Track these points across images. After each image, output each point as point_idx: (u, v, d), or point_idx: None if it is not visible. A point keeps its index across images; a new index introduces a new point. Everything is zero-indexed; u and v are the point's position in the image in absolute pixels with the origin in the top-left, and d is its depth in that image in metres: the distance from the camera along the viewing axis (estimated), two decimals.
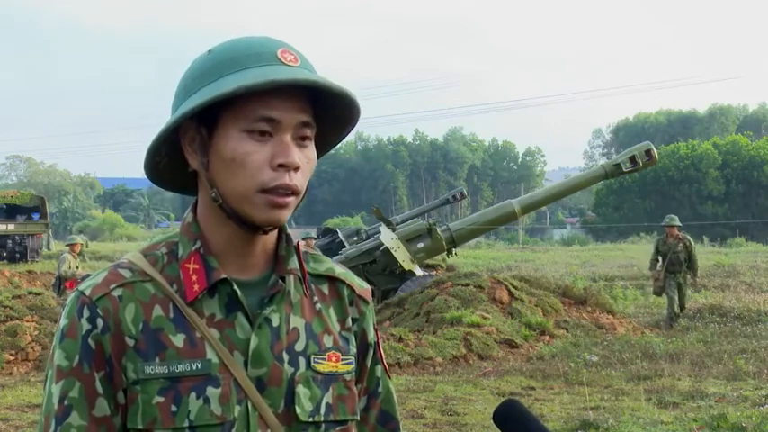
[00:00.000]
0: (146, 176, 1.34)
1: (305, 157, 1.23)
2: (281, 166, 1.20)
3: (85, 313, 1.21)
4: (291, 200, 1.22)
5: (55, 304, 11.69)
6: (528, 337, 11.72)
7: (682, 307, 13.45)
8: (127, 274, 1.25)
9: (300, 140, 1.23)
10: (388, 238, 14.28)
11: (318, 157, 1.32)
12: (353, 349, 1.35)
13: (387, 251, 14.12)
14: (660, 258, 13.52)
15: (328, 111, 1.27)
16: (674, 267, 13.33)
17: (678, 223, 13.58)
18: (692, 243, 13.46)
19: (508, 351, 11.27)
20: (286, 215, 1.23)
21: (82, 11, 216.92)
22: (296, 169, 1.21)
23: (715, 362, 10.08)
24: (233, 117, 1.20)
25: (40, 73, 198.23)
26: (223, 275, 1.24)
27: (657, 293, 13.97)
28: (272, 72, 1.18)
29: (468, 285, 12.77)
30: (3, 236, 28.08)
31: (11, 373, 10.24)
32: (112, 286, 1.23)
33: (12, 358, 10.55)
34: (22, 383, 9.52)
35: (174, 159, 1.29)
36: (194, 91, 1.22)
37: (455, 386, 9.09)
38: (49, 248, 30.79)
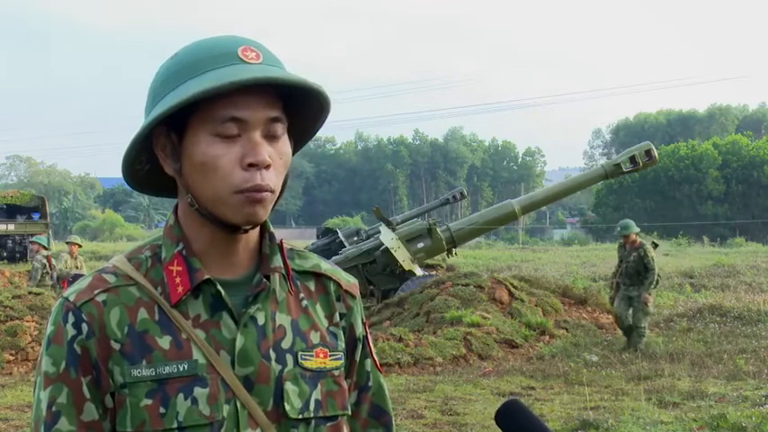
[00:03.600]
0: (126, 185, 1.34)
1: (276, 153, 1.23)
2: (251, 165, 1.19)
3: (70, 319, 1.22)
4: (267, 195, 1.21)
5: (54, 304, 11.70)
6: (528, 337, 11.72)
7: (634, 327, 11.03)
8: (111, 278, 1.26)
9: (272, 136, 1.23)
10: (388, 238, 14.28)
11: (298, 149, 1.32)
12: (342, 345, 1.35)
13: (387, 251, 14.12)
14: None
15: (299, 103, 1.27)
16: (624, 279, 11.15)
17: (628, 232, 11.22)
18: (648, 252, 10.97)
19: (508, 351, 11.27)
20: (263, 212, 1.22)
21: (82, 10, 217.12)
22: (267, 167, 1.21)
23: (715, 362, 10.08)
24: (200, 121, 1.21)
25: (39, 73, 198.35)
26: (206, 276, 1.25)
27: (611, 306, 11.73)
28: (232, 73, 1.18)
29: (468, 285, 12.77)
30: (3, 236, 28.08)
31: (11, 373, 10.25)
32: (96, 291, 1.24)
33: (12, 358, 10.56)
34: (22, 383, 9.52)
35: (155, 165, 1.29)
36: (161, 97, 1.23)
37: (455, 386, 9.10)
38: (48, 248, 30.76)
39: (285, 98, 1.25)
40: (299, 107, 1.28)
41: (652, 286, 11.13)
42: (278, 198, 1.25)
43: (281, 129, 1.24)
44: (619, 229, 11.54)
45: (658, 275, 11.37)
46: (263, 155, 1.20)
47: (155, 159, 1.28)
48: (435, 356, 10.68)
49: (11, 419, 7.66)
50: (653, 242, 11.59)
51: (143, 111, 1.28)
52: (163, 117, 1.18)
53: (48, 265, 14.54)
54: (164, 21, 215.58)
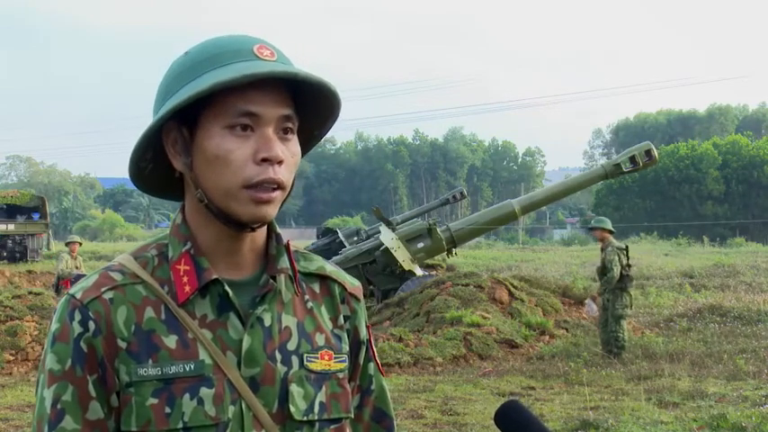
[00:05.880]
0: (132, 184, 1.33)
1: (288, 151, 1.23)
2: (264, 160, 1.20)
3: (77, 317, 1.21)
4: (276, 194, 1.22)
5: (55, 304, 11.70)
6: (528, 337, 11.72)
7: (609, 336, 10.46)
8: (118, 276, 1.24)
9: (283, 134, 1.23)
10: (388, 238, 14.28)
11: (305, 153, 1.32)
12: (346, 347, 1.35)
13: (387, 251, 14.12)
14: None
15: (310, 104, 1.27)
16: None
17: (598, 225, 10.66)
18: (608, 255, 10.31)
19: (508, 351, 11.27)
20: (272, 211, 1.23)
21: (82, 10, 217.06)
22: (279, 163, 1.21)
23: (715, 362, 10.08)
24: (213, 115, 1.21)
25: (39, 73, 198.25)
26: (214, 276, 1.24)
27: None
28: (248, 67, 1.18)
29: (468, 285, 12.77)
30: (3, 236, 28.07)
31: (11, 373, 10.26)
32: (103, 289, 1.23)
33: (12, 358, 10.57)
34: (22, 383, 9.53)
35: (159, 164, 1.29)
36: (173, 92, 1.22)
37: (455, 386, 9.10)
38: (48, 248, 30.80)
39: (295, 99, 1.25)
40: (309, 109, 1.28)
41: (609, 285, 10.27)
42: (285, 198, 1.25)
43: (292, 127, 1.24)
44: (593, 221, 11.08)
45: (629, 276, 10.47)
46: (276, 150, 1.20)
47: (158, 158, 1.28)
48: (435, 356, 10.68)
49: (11, 419, 7.66)
50: (626, 246, 10.69)
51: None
52: (179, 108, 1.18)
53: None
54: (164, 21, 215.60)
